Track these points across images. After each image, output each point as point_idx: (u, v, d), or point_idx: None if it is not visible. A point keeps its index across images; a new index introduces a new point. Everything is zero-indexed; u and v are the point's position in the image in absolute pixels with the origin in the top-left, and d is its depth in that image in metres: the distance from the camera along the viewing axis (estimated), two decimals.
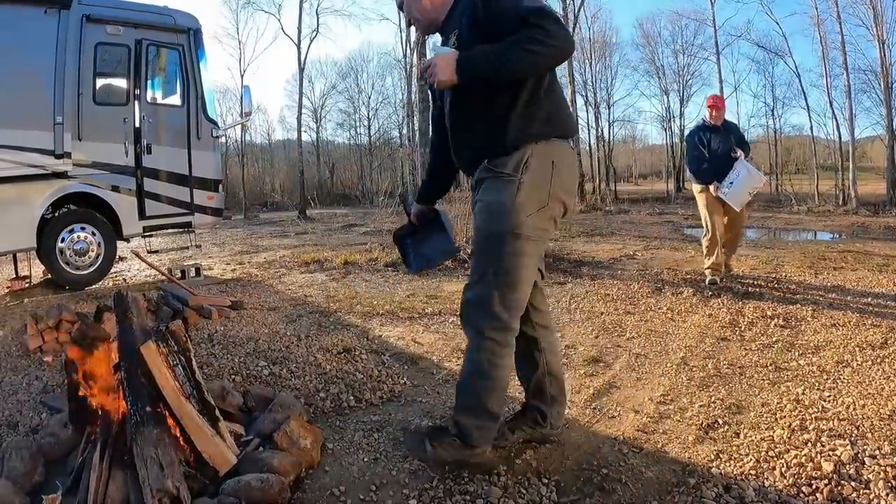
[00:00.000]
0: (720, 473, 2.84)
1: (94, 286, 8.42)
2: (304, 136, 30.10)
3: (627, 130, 45.08)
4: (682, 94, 33.69)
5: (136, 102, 8.59)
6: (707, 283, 6.83)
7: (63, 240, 8.14)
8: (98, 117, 8.19)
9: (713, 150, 7.03)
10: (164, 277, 7.70)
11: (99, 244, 8.42)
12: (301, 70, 28.43)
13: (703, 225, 7.26)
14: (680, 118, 33.62)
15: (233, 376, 4.34)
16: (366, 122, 39.57)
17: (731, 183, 6.81)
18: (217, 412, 3.07)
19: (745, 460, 2.95)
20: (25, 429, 3.86)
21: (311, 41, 35.06)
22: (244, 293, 7.59)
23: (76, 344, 3.21)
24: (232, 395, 3.61)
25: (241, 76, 32.92)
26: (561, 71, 29.98)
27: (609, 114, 35.09)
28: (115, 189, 8.43)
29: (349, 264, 9.24)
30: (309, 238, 14.70)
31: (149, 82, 8.80)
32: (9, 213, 7.62)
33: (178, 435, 2.88)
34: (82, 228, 8.29)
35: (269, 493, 2.69)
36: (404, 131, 34.83)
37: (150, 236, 9.19)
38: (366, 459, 3.10)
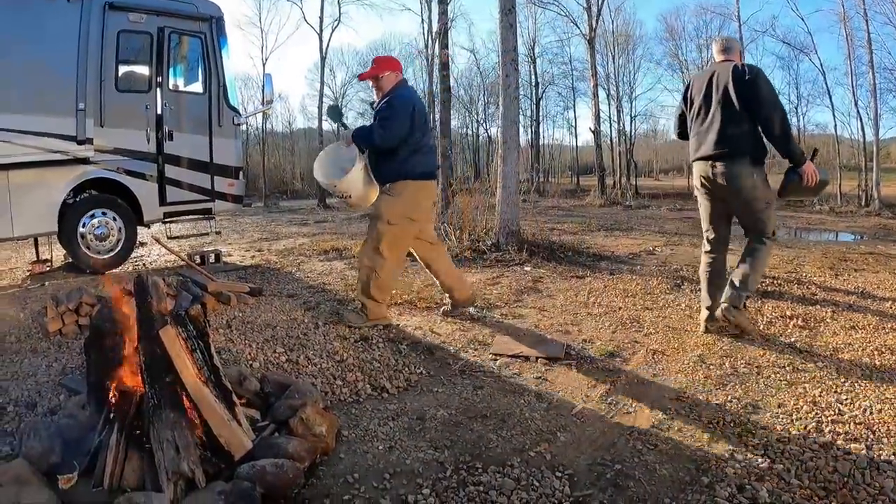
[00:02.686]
0: (734, 473, 2.82)
1: (114, 270, 8.48)
2: (325, 125, 30.07)
3: (649, 125, 44.72)
4: None
5: (158, 90, 8.64)
6: None
7: (84, 224, 8.21)
8: (120, 104, 8.25)
9: None
10: (183, 263, 7.76)
11: (119, 229, 8.49)
12: (322, 59, 28.41)
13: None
14: None
15: (250, 362, 4.37)
16: None
17: None
18: (234, 397, 3.10)
19: (760, 461, 2.93)
20: (44, 410, 3.91)
21: (333, 30, 34.74)
22: (263, 280, 7.66)
23: (96, 327, 3.24)
24: (249, 380, 3.63)
25: (263, 64, 32.96)
26: (583, 64, 29.63)
27: (631, 108, 34.82)
28: (137, 175, 8.49)
29: None
30: (328, 226, 14.75)
31: (171, 70, 8.84)
32: (31, 198, 7.75)
33: (195, 418, 2.91)
34: (103, 213, 8.37)
35: (283, 478, 2.71)
36: None
37: (171, 222, 9.21)
38: (381, 448, 3.12)
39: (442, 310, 5.73)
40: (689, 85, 5.10)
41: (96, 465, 2.94)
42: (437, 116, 15.24)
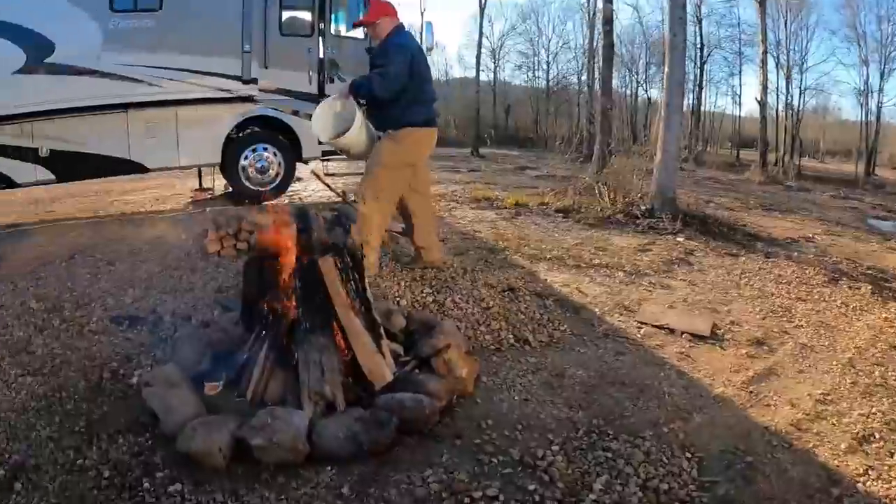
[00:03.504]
0: (865, 491, 2.69)
1: (271, 202, 8.95)
2: (482, 76, 29.96)
3: (819, 101, 41.45)
4: (882, 66, 30.22)
5: (321, 34, 8.95)
6: None
7: (246, 157, 8.75)
8: (283, 47, 8.65)
9: None
10: (339, 199, 8.04)
11: (279, 164, 8.95)
12: (482, 9, 28.17)
13: None
14: (879, 93, 30.29)
15: (397, 299, 4.54)
16: (544, 66, 38.36)
17: None
18: (381, 330, 3.24)
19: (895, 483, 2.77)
20: (198, 322, 4.24)
21: None
22: None
23: (256, 251, 3.45)
24: (396, 316, 3.78)
25: (422, 13, 33.05)
26: (752, 28, 27.40)
27: (801, 80, 32.30)
28: (298, 114, 8.87)
29: (519, 206, 9.24)
30: (480, 175, 14.81)
31: (333, 16, 9.09)
32: (197, 132, 8.41)
33: (343, 346, 3.08)
34: (265, 149, 8.84)
35: (420, 413, 2.84)
36: (583, 78, 33.92)
37: (328, 160, 9.61)
38: (517, 399, 3.20)
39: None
40: None
41: (241, 378, 3.21)
42: (599, 74, 14.82)
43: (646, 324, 4.50)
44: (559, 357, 3.77)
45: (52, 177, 8.21)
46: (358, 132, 4.93)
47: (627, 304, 4.90)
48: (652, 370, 3.70)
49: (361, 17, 5.34)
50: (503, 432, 2.89)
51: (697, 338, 4.31)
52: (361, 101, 5.14)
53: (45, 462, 2.76)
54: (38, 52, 7.78)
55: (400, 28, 5.19)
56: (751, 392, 3.59)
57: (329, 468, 2.63)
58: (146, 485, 2.55)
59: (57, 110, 7.96)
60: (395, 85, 4.89)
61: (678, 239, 7.29)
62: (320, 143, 7.24)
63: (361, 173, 10.20)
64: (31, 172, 8.08)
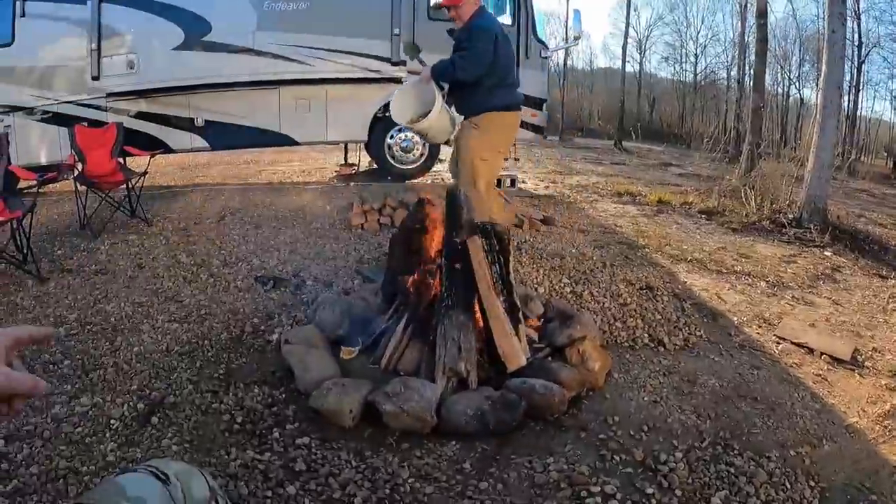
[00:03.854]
0: None
1: (414, 181, 9.17)
2: (627, 67, 29.28)
3: None
4: None
5: None
6: None
7: (392, 137, 9.03)
8: (431, 31, 8.78)
9: None
10: None
11: (424, 144, 9.17)
12: None
13: None
14: None
15: (536, 286, 4.54)
16: (692, 59, 36.93)
17: None
18: (521, 314, 3.24)
19: None
20: (339, 289, 4.40)
21: None
22: (555, 211, 7.78)
23: (405, 225, 3.52)
24: (535, 302, 3.78)
25: (567, 1, 32.68)
26: None
27: None
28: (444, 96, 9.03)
29: (662, 203, 9.00)
30: (623, 169, 14.47)
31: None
32: (346, 110, 8.81)
33: (481, 326, 3.09)
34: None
35: (549, 400, 2.82)
36: (733, 72, 32.42)
37: None
38: (646, 399, 3.12)
39: None
40: None
41: (377, 346, 3.30)
42: (750, 69, 14.15)
43: (785, 339, 4.28)
44: (693, 363, 3.64)
45: (206, 145, 8.80)
46: (438, 117, 4.78)
47: (767, 316, 4.67)
48: (786, 389, 3.51)
49: None
50: (628, 431, 2.82)
51: (836, 361, 4.04)
52: (443, 85, 5.02)
53: (183, 402, 2.94)
54: (195, 31, 8.33)
55: (483, 10, 5.04)
56: (885, 426, 3.31)
57: (453, 442, 2.66)
58: (276, 434, 2.66)
59: (212, 84, 8.49)
60: (479, 69, 4.78)
61: (825, 253, 6.90)
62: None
63: (505, 158, 10.37)
64: (187, 140, 8.69)
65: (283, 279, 4.66)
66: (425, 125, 4.84)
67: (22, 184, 7.11)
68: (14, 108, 8.10)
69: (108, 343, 3.57)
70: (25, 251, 4.74)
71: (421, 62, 5.23)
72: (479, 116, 4.93)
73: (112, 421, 2.74)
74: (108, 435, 2.64)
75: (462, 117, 5.02)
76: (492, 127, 4.96)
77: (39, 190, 5.21)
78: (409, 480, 2.40)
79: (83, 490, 2.28)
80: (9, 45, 8.21)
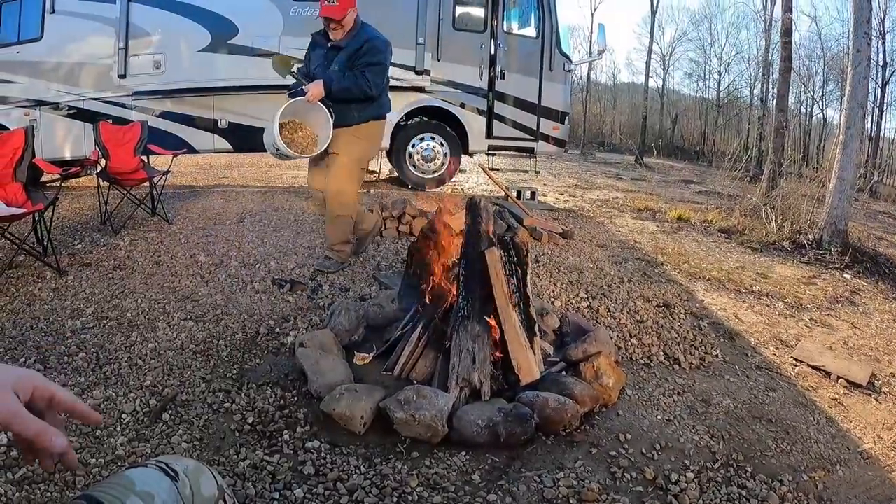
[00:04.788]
0: None
1: (434, 190, 9.20)
2: (650, 83, 29.32)
3: None
4: None
5: (493, 31, 9.17)
6: None
7: (413, 145, 9.13)
8: (456, 41, 8.96)
9: None
10: (502, 194, 8.13)
11: (445, 154, 9.28)
12: (653, 13, 27.70)
13: None
14: None
15: (552, 300, 4.53)
16: (716, 76, 36.76)
17: None
18: (536, 327, 3.22)
19: None
20: (355, 295, 4.42)
21: None
22: (574, 225, 7.79)
23: (424, 234, 3.52)
24: (551, 316, 3.77)
25: (592, 14, 32.85)
26: None
27: None
28: (466, 107, 9.10)
29: (682, 220, 9.01)
30: (643, 185, 14.43)
31: (506, 13, 9.29)
32: None
33: (497, 337, 3.08)
34: (432, 138, 9.21)
35: (561, 415, 2.80)
36: (756, 90, 32.17)
37: (493, 155, 9.80)
38: (659, 417, 3.09)
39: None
40: None
41: (392, 353, 3.30)
42: (774, 88, 14.07)
43: (802, 362, 4.23)
44: (708, 382, 3.61)
45: (229, 146, 8.89)
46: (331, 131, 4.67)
47: (784, 338, 4.63)
48: (801, 412, 3.47)
49: (334, 8, 4.55)
50: (640, 449, 2.79)
51: (853, 385, 3.99)
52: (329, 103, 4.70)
53: (195, 399, 2.95)
54: (222, 34, 8.44)
55: (360, 20, 4.84)
56: None
57: (463, 453, 2.64)
58: (286, 436, 2.66)
59: (237, 87, 8.57)
60: (385, 80, 4.83)
61: (845, 276, 6.83)
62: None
63: (525, 170, 10.39)
64: (210, 141, 8.78)
65: (300, 282, 4.67)
66: (323, 147, 4.71)
67: (45, 177, 7.22)
68: (40, 103, 8.22)
69: (123, 338, 3.59)
70: (46, 243, 4.79)
71: (295, 77, 4.88)
72: (363, 125, 4.86)
73: (124, 415, 2.75)
74: (118, 429, 2.65)
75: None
76: (371, 133, 4.96)
77: (62, 184, 5.26)
78: (418, 489, 2.38)
79: (91, 482, 2.29)
80: (37, 40, 8.33)
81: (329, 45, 4.80)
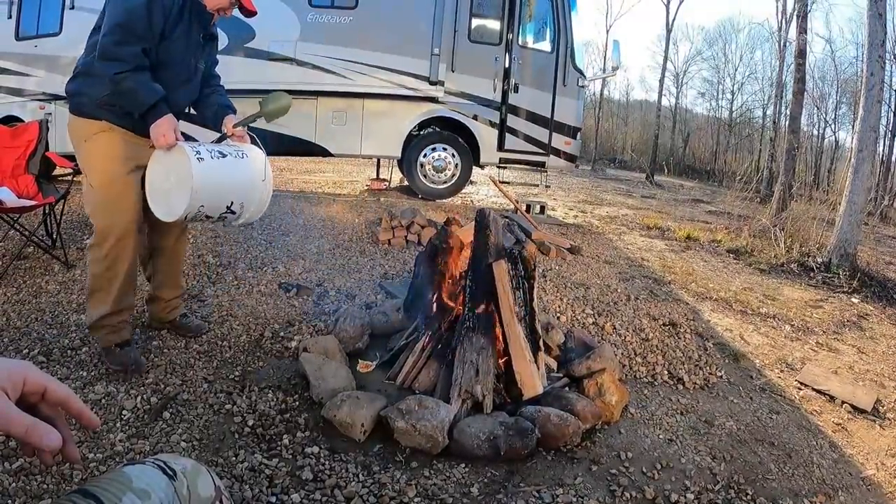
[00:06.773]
0: None
1: (444, 201, 9.21)
2: (663, 101, 29.23)
3: None
4: None
5: (508, 44, 9.20)
6: None
7: (425, 155, 9.16)
8: (471, 53, 9.01)
9: None
10: (511, 207, 8.13)
11: (456, 165, 9.30)
12: (668, 32, 27.58)
13: None
14: None
15: (558, 315, 4.51)
16: (728, 96, 36.75)
17: None
18: (541, 341, 3.21)
19: None
20: (361, 302, 4.40)
21: (681, 3, 32.99)
22: (583, 240, 7.78)
23: (433, 244, 3.52)
24: (556, 331, 3.76)
25: (607, 31, 32.90)
26: None
27: None
28: (479, 119, 9.13)
29: (690, 239, 9.00)
30: (653, 203, 14.46)
31: (521, 27, 9.33)
32: (382, 125, 9.01)
33: (501, 350, 3.07)
34: (444, 149, 9.25)
35: (563, 431, 2.78)
36: (769, 111, 32.03)
37: (504, 168, 9.80)
38: (661, 437, 3.07)
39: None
40: None
41: (395, 362, 3.31)
42: (787, 109, 14.07)
43: (806, 385, 4.20)
44: (711, 403, 3.59)
45: None
46: None
47: (790, 361, 4.60)
48: (804, 436, 3.45)
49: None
50: (641, 468, 2.78)
51: (857, 410, 3.97)
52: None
53: (196, 399, 2.95)
54: (240, 36, 8.48)
55: None
56: None
57: (462, 465, 2.63)
58: (285, 441, 2.66)
59: (252, 90, 8.59)
60: None
61: (853, 300, 6.79)
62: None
63: (535, 184, 10.38)
64: None
65: (306, 287, 4.66)
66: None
67: (57, 171, 7.23)
68: (56, 97, 8.24)
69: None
70: (55, 237, 4.82)
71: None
72: None
73: (124, 411, 2.75)
74: (118, 425, 2.65)
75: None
76: None
77: (74, 178, 5.28)
78: (416, 499, 2.37)
79: (88, 476, 2.28)
80: (56, 34, 8.37)
81: (203, 34, 3.49)
